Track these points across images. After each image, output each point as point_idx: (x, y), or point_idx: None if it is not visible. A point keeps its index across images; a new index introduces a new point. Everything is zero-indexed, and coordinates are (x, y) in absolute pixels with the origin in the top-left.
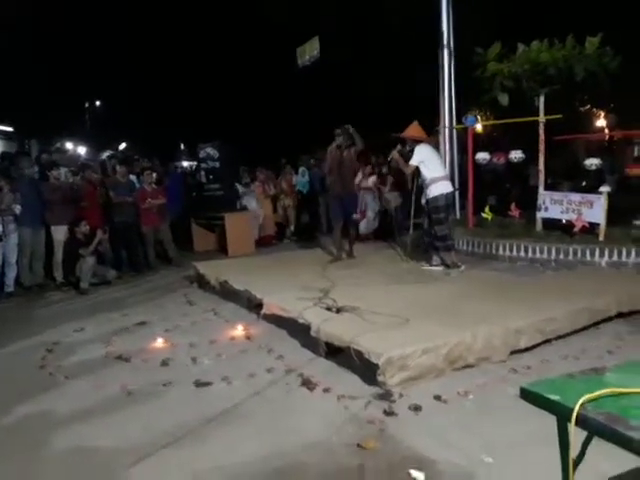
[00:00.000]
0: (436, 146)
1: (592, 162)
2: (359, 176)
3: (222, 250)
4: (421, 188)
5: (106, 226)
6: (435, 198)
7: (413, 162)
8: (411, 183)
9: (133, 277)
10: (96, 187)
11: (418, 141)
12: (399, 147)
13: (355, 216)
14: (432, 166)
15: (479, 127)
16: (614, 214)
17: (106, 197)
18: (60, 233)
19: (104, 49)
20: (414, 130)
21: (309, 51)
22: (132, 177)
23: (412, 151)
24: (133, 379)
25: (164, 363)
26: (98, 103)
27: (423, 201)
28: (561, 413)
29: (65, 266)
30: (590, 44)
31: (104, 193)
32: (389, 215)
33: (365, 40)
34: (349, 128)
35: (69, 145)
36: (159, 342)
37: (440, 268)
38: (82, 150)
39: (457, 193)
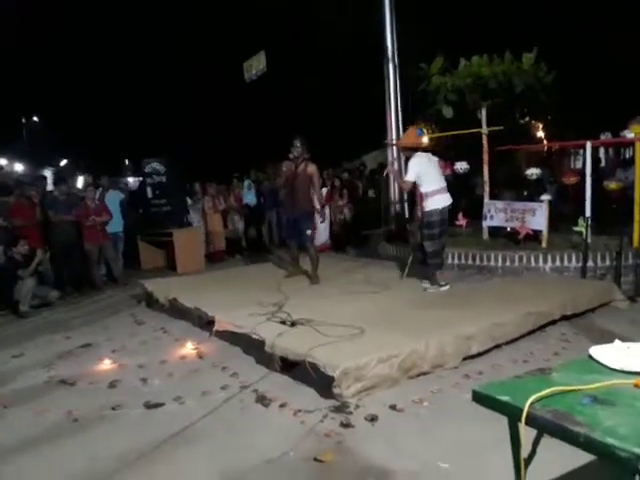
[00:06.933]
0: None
1: (533, 172)
2: (323, 192)
3: (171, 267)
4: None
5: (46, 245)
6: (429, 213)
7: (409, 178)
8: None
9: (76, 298)
10: (34, 205)
11: (414, 150)
12: (394, 162)
13: (308, 232)
14: (428, 178)
15: (425, 140)
16: (555, 221)
17: (44, 215)
18: None
19: (40, 63)
20: (410, 138)
21: (256, 66)
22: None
23: (407, 162)
24: (79, 404)
25: (112, 385)
26: (36, 119)
27: (418, 213)
28: (512, 413)
29: (1, 289)
30: (526, 59)
31: (42, 211)
32: (343, 226)
33: (313, 54)
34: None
35: (3, 162)
36: (106, 364)
37: (447, 287)
38: (19, 167)
39: None
